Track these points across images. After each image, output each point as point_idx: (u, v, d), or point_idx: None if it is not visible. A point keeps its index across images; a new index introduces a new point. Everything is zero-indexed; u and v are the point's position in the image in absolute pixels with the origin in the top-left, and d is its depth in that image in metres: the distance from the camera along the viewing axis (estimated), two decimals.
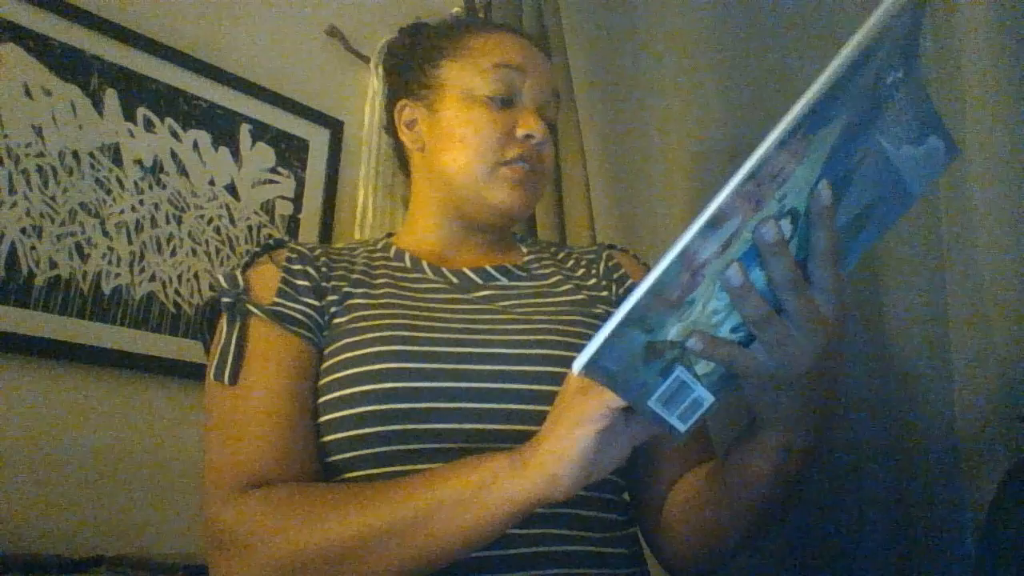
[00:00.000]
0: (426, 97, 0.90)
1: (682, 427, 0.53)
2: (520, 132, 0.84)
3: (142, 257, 1.28)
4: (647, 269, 0.94)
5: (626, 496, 0.81)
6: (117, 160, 1.28)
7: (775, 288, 0.50)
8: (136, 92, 1.32)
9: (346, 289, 0.80)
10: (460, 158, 0.84)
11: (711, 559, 0.74)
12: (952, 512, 0.89)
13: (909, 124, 0.53)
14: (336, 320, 0.78)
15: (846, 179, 0.52)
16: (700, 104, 1.21)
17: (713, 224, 0.46)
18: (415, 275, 0.85)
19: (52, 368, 1.17)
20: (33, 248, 1.17)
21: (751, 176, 0.45)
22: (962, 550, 0.88)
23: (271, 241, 0.87)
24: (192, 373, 1.26)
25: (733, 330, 0.53)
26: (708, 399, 0.53)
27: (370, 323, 0.76)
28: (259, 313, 0.75)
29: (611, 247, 0.96)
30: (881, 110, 0.51)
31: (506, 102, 0.85)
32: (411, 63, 0.93)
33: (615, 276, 0.90)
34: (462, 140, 0.84)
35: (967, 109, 0.88)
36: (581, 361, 0.47)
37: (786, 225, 0.49)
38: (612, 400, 0.54)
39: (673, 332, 0.49)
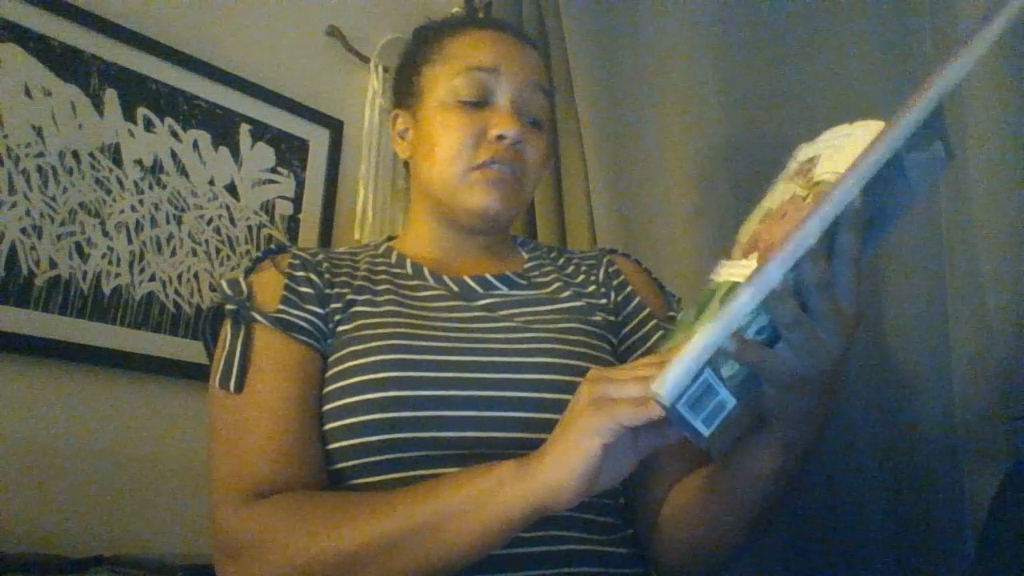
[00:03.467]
0: (411, 106, 0.90)
1: (706, 431, 0.53)
2: (492, 133, 0.82)
3: (142, 257, 1.28)
4: (649, 274, 0.94)
5: (622, 501, 0.80)
6: (117, 160, 1.28)
7: (806, 290, 0.52)
8: (136, 92, 1.32)
9: (349, 296, 0.80)
10: (435, 164, 0.84)
11: (707, 564, 0.73)
12: (952, 512, 0.89)
13: (922, 129, 0.53)
14: (340, 328, 0.78)
15: (868, 185, 0.52)
16: (700, 104, 1.21)
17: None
18: (416, 282, 0.85)
19: (52, 368, 1.17)
20: (33, 248, 1.17)
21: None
22: (962, 550, 0.88)
23: (273, 246, 0.86)
24: (192, 373, 1.26)
25: (757, 332, 0.53)
26: (731, 402, 0.53)
27: (374, 332, 0.76)
28: (264, 321, 0.75)
29: (612, 252, 0.95)
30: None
31: (479, 104, 0.84)
32: (403, 72, 0.93)
33: (614, 282, 0.89)
34: (436, 146, 0.84)
35: (967, 109, 0.88)
36: (670, 392, 0.50)
37: None
38: (623, 416, 0.54)
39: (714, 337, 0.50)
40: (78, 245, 1.22)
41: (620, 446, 0.58)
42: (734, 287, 0.53)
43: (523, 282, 0.87)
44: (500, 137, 0.82)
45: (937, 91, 0.48)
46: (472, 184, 0.83)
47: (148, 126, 1.33)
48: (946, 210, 0.92)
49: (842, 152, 0.55)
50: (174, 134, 1.36)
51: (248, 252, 1.40)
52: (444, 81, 0.86)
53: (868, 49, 1.05)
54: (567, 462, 0.56)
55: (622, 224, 1.31)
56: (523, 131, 0.84)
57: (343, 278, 0.83)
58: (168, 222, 1.32)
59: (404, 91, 0.92)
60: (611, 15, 1.39)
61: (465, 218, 0.85)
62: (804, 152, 0.61)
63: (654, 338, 0.84)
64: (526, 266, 0.90)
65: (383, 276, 0.85)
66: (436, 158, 0.84)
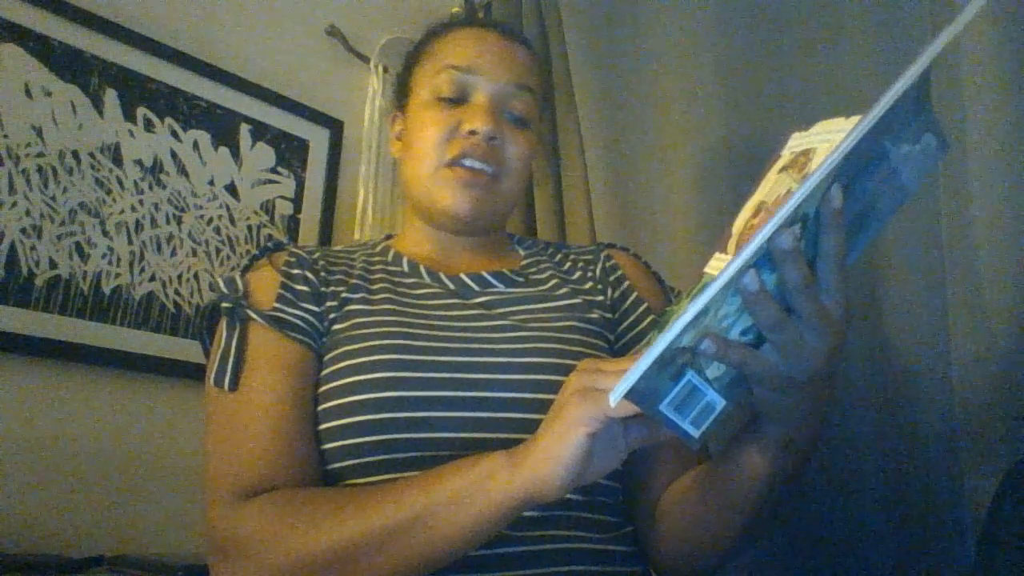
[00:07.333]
0: (403, 107, 0.92)
1: (695, 432, 0.52)
2: (464, 128, 0.82)
3: (142, 257, 1.28)
4: (647, 268, 0.94)
5: (621, 498, 0.80)
6: (117, 160, 1.28)
7: (788, 292, 0.51)
8: (136, 92, 1.32)
9: (344, 295, 0.80)
10: (412, 161, 0.85)
11: (704, 561, 0.73)
12: (952, 512, 0.89)
13: (910, 123, 0.53)
14: (335, 326, 0.77)
15: (851, 181, 0.52)
16: (700, 104, 1.21)
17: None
18: (412, 280, 0.84)
19: (52, 368, 1.17)
20: (33, 248, 1.17)
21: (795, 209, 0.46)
22: (962, 550, 0.88)
23: (270, 244, 0.86)
24: (192, 373, 1.26)
25: (742, 333, 0.53)
26: (720, 403, 0.53)
27: (368, 331, 0.75)
28: (259, 319, 0.75)
29: (610, 246, 0.95)
30: (890, 112, 0.51)
31: (457, 101, 0.85)
32: (400, 75, 0.95)
33: (612, 278, 0.89)
34: (414, 142, 0.85)
35: (967, 109, 0.88)
36: (615, 396, 0.49)
37: (796, 228, 0.50)
38: (608, 407, 0.53)
39: (686, 338, 0.49)
40: (78, 245, 1.22)
41: (609, 437, 0.58)
42: (703, 286, 0.52)
43: (520, 279, 0.87)
44: (472, 132, 0.82)
45: (903, 83, 0.47)
46: (443, 183, 0.83)
47: (148, 126, 1.33)
48: (945, 209, 0.92)
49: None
50: (174, 134, 1.36)
51: (248, 252, 1.40)
52: (427, 80, 0.87)
53: (868, 49, 1.05)
54: (554, 452, 0.56)
55: (622, 224, 1.31)
56: (498, 127, 0.83)
57: (339, 276, 0.83)
58: (168, 222, 1.32)
59: (399, 93, 0.94)
60: (611, 15, 1.38)
61: (441, 218, 0.85)
62: (798, 142, 0.60)
63: None
64: (523, 263, 0.90)
65: (380, 274, 0.85)
66: (413, 155, 0.85)
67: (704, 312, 0.48)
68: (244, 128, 1.45)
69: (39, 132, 1.21)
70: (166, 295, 1.29)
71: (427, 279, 0.85)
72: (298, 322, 0.76)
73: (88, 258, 1.22)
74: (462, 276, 0.85)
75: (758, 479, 0.63)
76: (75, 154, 1.24)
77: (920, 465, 0.93)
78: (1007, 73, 0.85)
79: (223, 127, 1.42)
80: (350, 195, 1.58)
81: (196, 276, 1.34)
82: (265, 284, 0.79)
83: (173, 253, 1.32)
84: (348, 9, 1.65)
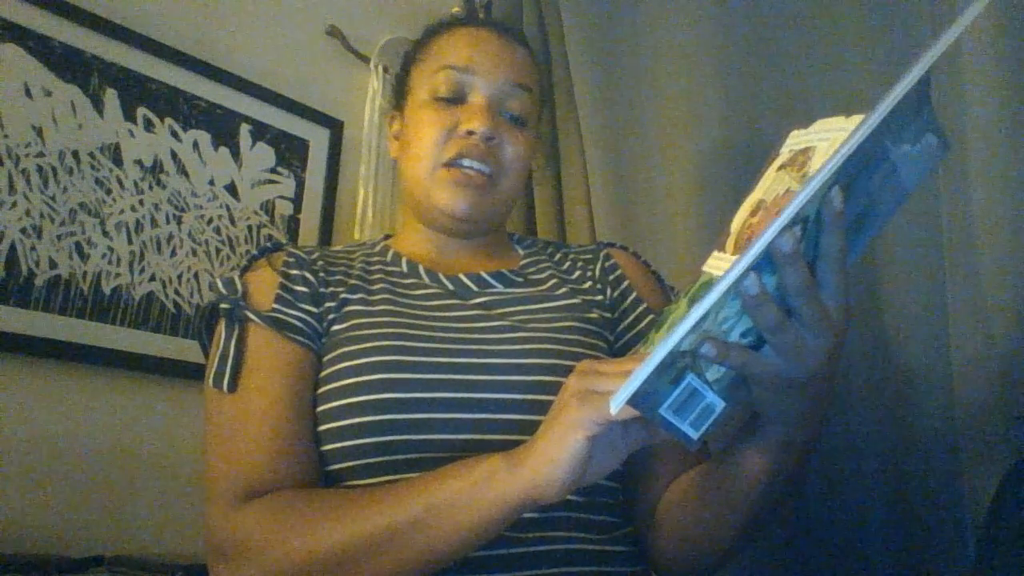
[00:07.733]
0: (401, 107, 0.92)
1: (695, 434, 0.52)
2: (462, 128, 0.82)
3: (142, 257, 1.28)
4: (647, 267, 0.94)
5: (621, 499, 0.80)
6: (117, 160, 1.28)
7: (789, 294, 0.51)
8: (136, 92, 1.32)
9: (343, 295, 0.80)
10: (410, 161, 0.85)
11: (703, 561, 0.73)
12: (952, 512, 0.89)
13: (910, 123, 0.53)
14: (334, 327, 0.77)
15: (851, 181, 0.52)
16: (700, 104, 1.21)
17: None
18: (411, 280, 0.84)
19: (52, 368, 1.17)
20: (33, 248, 1.17)
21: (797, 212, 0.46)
22: (962, 550, 0.88)
23: (269, 244, 0.86)
24: (192, 373, 1.26)
25: (743, 335, 0.53)
26: (719, 405, 0.53)
27: (367, 332, 0.75)
28: (257, 320, 0.75)
29: (610, 245, 0.95)
30: (891, 112, 0.51)
31: (454, 101, 0.85)
32: (398, 75, 0.95)
33: (611, 277, 0.89)
34: (412, 142, 0.85)
35: (967, 109, 0.88)
36: (615, 405, 0.49)
37: (796, 230, 0.49)
38: (607, 410, 0.53)
39: (686, 342, 0.49)
40: (78, 245, 1.22)
41: (609, 439, 0.58)
42: (705, 285, 0.52)
43: (519, 279, 0.86)
44: (470, 132, 0.82)
45: (904, 85, 0.48)
46: (440, 183, 0.83)
47: (148, 126, 1.33)
48: (946, 209, 0.92)
49: (836, 147, 0.55)
50: (174, 134, 1.36)
51: (248, 252, 1.40)
52: (424, 80, 0.87)
53: (868, 49, 1.05)
54: (553, 455, 0.56)
55: (622, 224, 1.31)
56: (496, 127, 0.83)
57: (338, 276, 0.83)
58: (168, 222, 1.32)
59: (398, 93, 0.94)
60: (611, 15, 1.39)
61: (439, 218, 0.85)
62: (797, 140, 0.60)
63: None
64: (522, 263, 0.90)
65: (378, 275, 0.85)
66: (411, 155, 0.85)
67: (704, 316, 0.48)
68: (244, 128, 1.45)
69: (39, 132, 1.21)
70: (166, 295, 1.29)
71: (426, 279, 0.84)
72: (297, 323, 0.76)
73: (88, 258, 1.22)
74: (461, 276, 0.85)
75: (758, 479, 0.63)
76: (75, 154, 1.24)
77: (920, 465, 0.93)
78: (1007, 73, 0.85)
79: (223, 127, 1.42)
80: (350, 195, 1.58)
81: (196, 276, 1.34)
82: (264, 285, 0.79)
83: (173, 253, 1.32)
84: (348, 9, 1.65)
